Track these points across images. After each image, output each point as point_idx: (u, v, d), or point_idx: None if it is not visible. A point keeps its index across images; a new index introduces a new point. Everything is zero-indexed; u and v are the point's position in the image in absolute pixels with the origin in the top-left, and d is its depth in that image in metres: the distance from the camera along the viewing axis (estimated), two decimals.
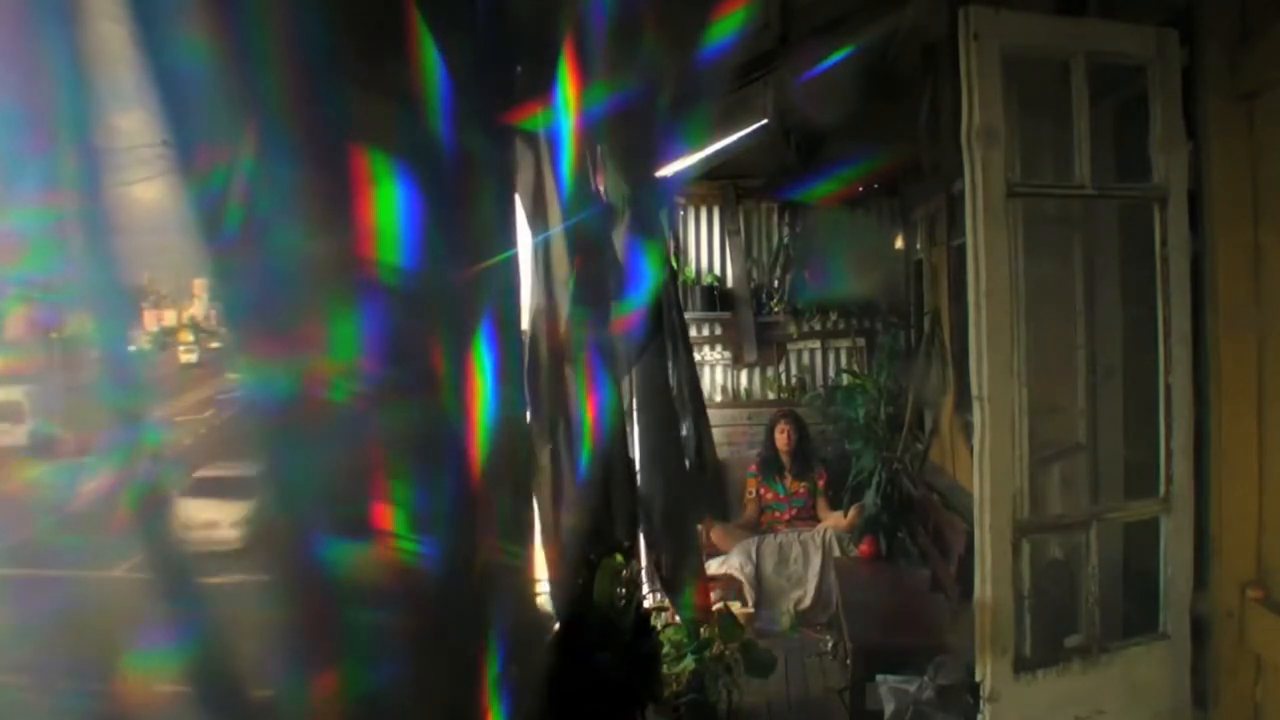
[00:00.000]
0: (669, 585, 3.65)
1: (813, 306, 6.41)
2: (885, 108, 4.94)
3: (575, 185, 2.28)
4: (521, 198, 2.07)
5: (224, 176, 0.88)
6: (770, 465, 5.88)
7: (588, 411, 2.36)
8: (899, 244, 6.31)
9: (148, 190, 0.89)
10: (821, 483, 5.82)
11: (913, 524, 5.01)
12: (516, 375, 1.74)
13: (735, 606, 4.96)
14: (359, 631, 1.04)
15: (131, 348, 0.90)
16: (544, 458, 2.20)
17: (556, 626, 2.43)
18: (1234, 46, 2.25)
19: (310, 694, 1.00)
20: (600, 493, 2.69)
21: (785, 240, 6.47)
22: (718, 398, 6.51)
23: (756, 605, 5.23)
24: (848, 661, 4.19)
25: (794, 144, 5.75)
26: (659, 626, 3.44)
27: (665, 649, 3.44)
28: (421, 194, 1.11)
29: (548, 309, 2.21)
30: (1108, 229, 2.92)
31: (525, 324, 2.08)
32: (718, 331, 6.54)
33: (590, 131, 2.49)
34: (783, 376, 6.58)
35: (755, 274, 6.54)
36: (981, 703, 2.28)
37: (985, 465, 2.25)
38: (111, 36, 0.81)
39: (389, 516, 1.10)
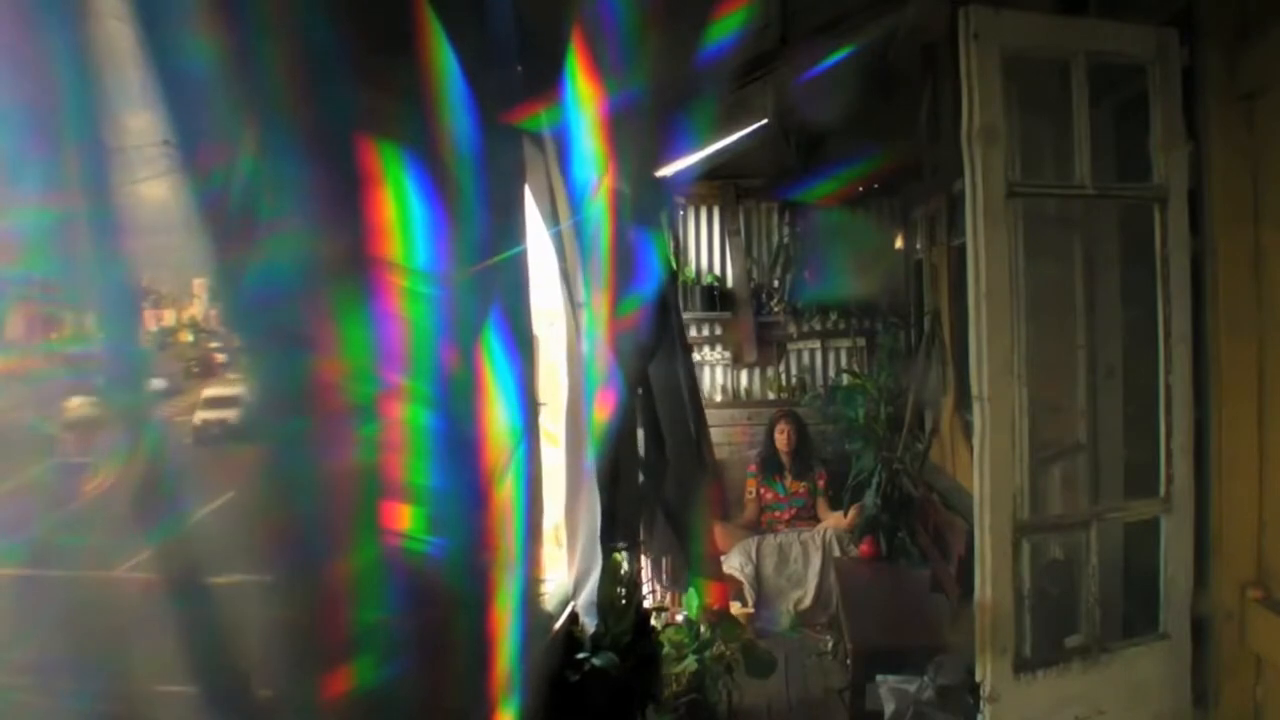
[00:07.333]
0: (681, 583, 3.66)
1: (813, 306, 6.40)
2: (885, 108, 4.95)
3: (582, 185, 2.28)
4: (535, 197, 2.08)
5: (234, 174, 0.88)
6: (770, 465, 5.88)
7: (598, 411, 2.37)
8: (899, 244, 6.30)
9: (154, 189, 0.89)
10: (821, 483, 5.82)
11: (913, 524, 5.01)
12: (527, 374, 1.74)
13: (735, 606, 4.96)
14: (370, 630, 1.04)
15: (135, 347, 0.89)
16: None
17: (556, 626, 2.43)
18: (1234, 46, 2.25)
19: (320, 693, 1.00)
20: (607, 492, 2.69)
21: (785, 240, 6.46)
22: (718, 398, 6.51)
23: (756, 605, 5.24)
24: (848, 661, 4.19)
25: (794, 144, 5.75)
26: (659, 626, 3.44)
27: (665, 649, 3.44)
28: (431, 192, 1.11)
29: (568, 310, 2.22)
30: (1108, 229, 2.92)
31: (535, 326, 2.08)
32: (718, 331, 6.53)
33: (594, 130, 2.49)
34: (783, 376, 6.58)
35: (755, 274, 6.54)
36: (981, 703, 2.28)
37: (985, 465, 2.25)
38: (118, 35, 0.81)
39: (402, 516, 1.10)
